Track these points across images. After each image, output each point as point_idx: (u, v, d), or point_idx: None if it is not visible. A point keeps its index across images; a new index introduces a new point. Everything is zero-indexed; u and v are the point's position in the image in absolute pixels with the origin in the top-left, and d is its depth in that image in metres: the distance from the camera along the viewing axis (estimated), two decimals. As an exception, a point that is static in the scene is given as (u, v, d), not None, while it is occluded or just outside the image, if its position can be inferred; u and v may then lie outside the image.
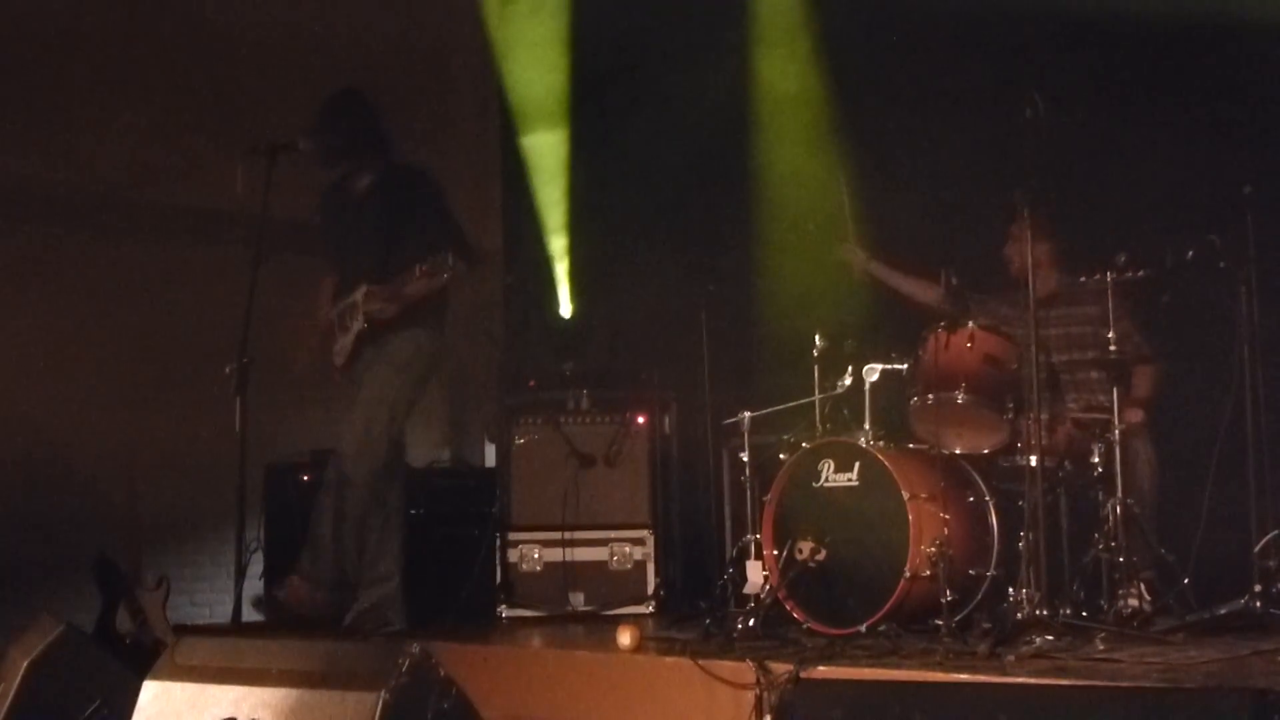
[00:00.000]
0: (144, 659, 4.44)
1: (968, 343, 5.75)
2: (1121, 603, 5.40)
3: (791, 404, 6.26)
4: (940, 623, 5.27)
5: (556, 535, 6.90)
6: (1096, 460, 5.70)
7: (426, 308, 6.29)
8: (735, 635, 5.40)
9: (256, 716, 3.79)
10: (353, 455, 6.19)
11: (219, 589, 7.78)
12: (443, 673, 3.74)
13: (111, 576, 6.63)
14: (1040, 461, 5.39)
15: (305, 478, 7.10)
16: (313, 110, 6.34)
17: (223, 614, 6.75)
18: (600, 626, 6.33)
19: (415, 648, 3.73)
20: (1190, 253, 5.51)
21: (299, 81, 8.22)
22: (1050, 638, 5.02)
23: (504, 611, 6.82)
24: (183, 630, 6.38)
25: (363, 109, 6.36)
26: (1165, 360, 6.12)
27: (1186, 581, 5.48)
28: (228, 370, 5.78)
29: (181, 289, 7.80)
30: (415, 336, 6.29)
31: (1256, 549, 5.34)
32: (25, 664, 4.58)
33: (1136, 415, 5.99)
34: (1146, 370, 6.12)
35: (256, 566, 6.99)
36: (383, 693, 3.59)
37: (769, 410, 6.33)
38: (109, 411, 7.55)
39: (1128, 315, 5.83)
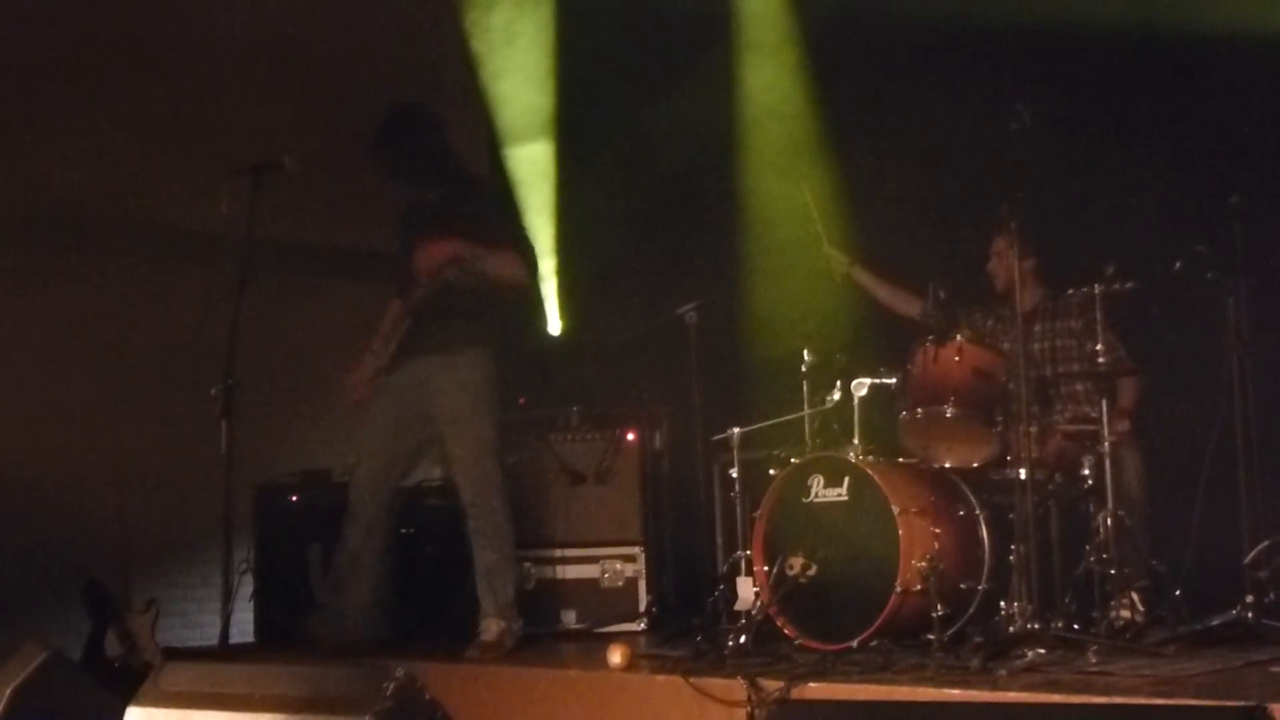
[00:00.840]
0: (134, 683, 4.40)
1: (956, 356, 5.75)
2: (1114, 614, 5.38)
3: (781, 419, 6.25)
4: (932, 637, 5.26)
5: (547, 553, 6.88)
6: (1087, 472, 5.69)
7: (489, 324, 6.19)
8: (726, 652, 5.37)
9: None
10: (473, 490, 6.12)
11: (211, 611, 7.74)
12: (429, 696, 3.71)
13: (101, 600, 6.62)
14: (1030, 474, 5.39)
15: (294, 498, 7.08)
16: (379, 123, 6.21)
17: (214, 636, 6.72)
18: (591, 644, 6.30)
19: (400, 671, 3.71)
20: (1178, 264, 5.50)
21: (283, 100, 8.23)
22: (1043, 651, 5.01)
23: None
24: (172, 653, 6.36)
25: (426, 124, 6.23)
26: (1148, 370, 6.11)
27: (1178, 593, 5.47)
28: (213, 392, 5.76)
29: (168, 310, 7.78)
30: (480, 359, 6.14)
31: (1248, 560, 5.32)
32: (9, 691, 4.54)
33: (1124, 425, 5.98)
34: (1129, 380, 6.11)
35: (248, 588, 6.98)
36: (368, 718, 3.57)
37: (758, 426, 6.32)
38: (96, 433, 7.53)
39: (1109, 326, 5.83)
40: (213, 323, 6.02)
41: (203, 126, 7.99)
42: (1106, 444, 5.56)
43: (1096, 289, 5.67)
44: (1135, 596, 5.53)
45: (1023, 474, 5.39)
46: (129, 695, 4.17)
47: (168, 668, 4.12)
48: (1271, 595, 5.28)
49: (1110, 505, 5.49)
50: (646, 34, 7.81)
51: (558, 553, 6.86)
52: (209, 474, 5.98)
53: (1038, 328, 6.24)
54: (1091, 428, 5.73)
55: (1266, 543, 5.29)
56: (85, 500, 7.38)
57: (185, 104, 8.02)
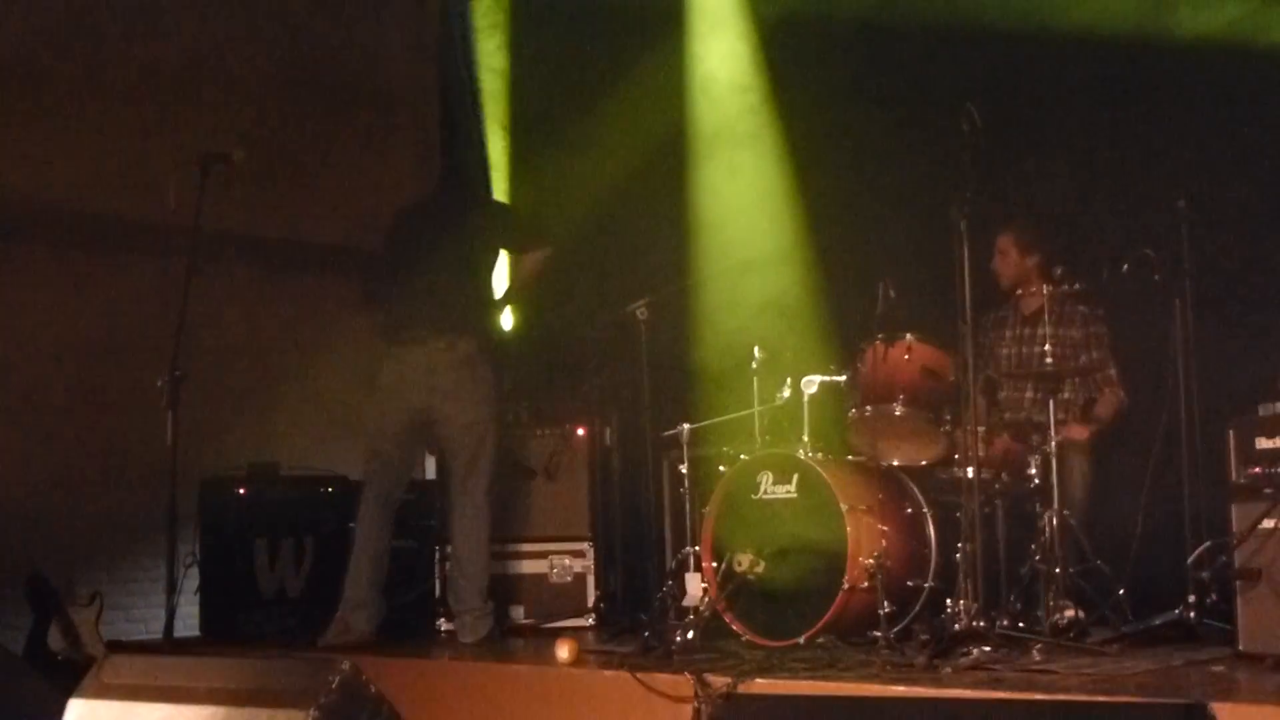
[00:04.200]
0: (76, 676, 4.36)
1: (905, 354, 5.78)
2: (1057, 615, 5.42)
3: (730, 416, 6.27)
4: (879, 634, 5.29)
5: (496, 548, 6.84)
6: (1033, 472, 5.74)
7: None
8: (674, 648, 5.38)
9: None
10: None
11: (155, 604, 7.68)
12: (374, 689, 3.70)
13: (44, 593, 6.56)
14: (977, 473, 5.42)
15: (241, 491, 7.03)
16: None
17: (159, 629, 6.68)
18: (539, 639, 6.29)
19: (345, 664, 3.69)
20: (1125, 266, 5.55)
21: (235, 90, 8.18)
22: (987, 649, 5.04)
23: (442, 625, 6.75)
24: (116, 646, 6.31)
25: None
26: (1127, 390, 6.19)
27: (1122, 592, 5.52)
28: (159, 383, 5.71)
29: (115, 300, 7.71)
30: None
31: (1190, 560, 5.37)
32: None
33: (1081, 433, 6.04)
34: (1112, 396, 6.16)
35: (193, 581, 6.92)
36: (311, 710, 3.55)
37: (708, 422, 6.34)
38: (40, 426, 7.46)
39: (1105, 342, 6.11)
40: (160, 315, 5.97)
41: (153, 117, 7.92)
42: (1053, 444, 5.61)
43: (1044, 290, 5.75)
44: (1078, 596, 5.57)
45: (969, 473, 5.42)
46: (72, 689, 4.12)
47: (110, 661, 4.08)
48: (1213, 596, 5.32)
49: (1056, 505, 5.54)
50: (599, 26, 7.80)
51: (507, 548, 6.83)
52: (155, 466, 5.93)
53: (1041, 331, 5.94)
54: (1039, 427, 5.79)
55: (1208, 543, 5.34)
56: (29, 493, 7.31)
57: (134, 96, 7.95)
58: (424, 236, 6.28)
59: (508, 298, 6.73)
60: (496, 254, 6.59)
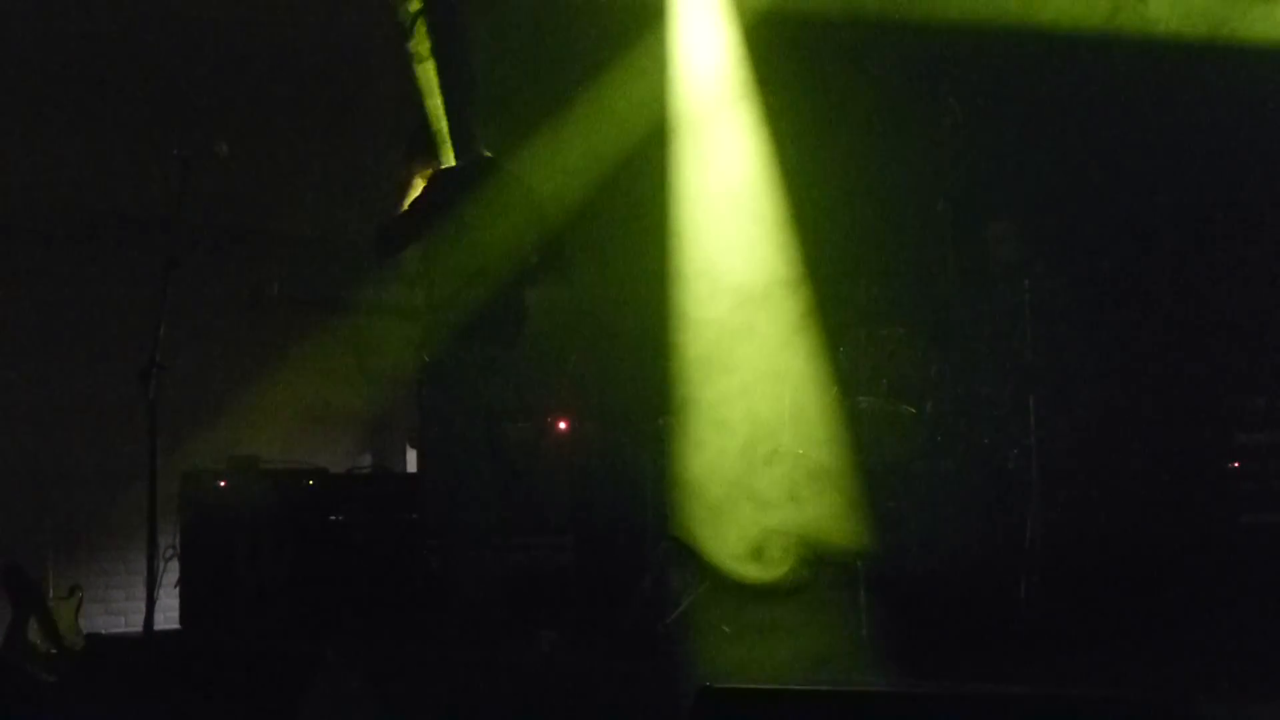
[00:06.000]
0: (56, 669, 4.34)
1: (889, 348, 5.81)
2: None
3: (713, 407, 6.28)
4: (862, 627, 5.32)
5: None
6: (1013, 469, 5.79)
7: None
8: (655, 640, 5.40)
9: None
10: None
11: (136, 597, 7.67)
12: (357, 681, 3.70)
13: (23, 586, 6.54)
14: (961, 466, 5.45)
15: (222, 484, 7.01)
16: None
17: (139, 622, 6.67)
18: (521, 630, 6.29)
19: (330, 655, 3.69)
20: None
21: (216, 83, 8.16)
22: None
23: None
24: (95, 639, 6.30)
25: None
26: None
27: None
28: (140, 375, 5.68)
29: (94, 292, 7.69)
30: None
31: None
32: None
33: None
34: None
35: (173, 575, 6.91)
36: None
37: (690, 415, 6.35)
38: (17, 418, 7.44)
39: None
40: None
41: (133, 111, 7.89)
42: (1034, 439, 5.65)
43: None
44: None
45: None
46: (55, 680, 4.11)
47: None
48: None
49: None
50: (582, 18, 7.80)
51: (488, 540, 6.83)
52: (136, 459, 5.90)
53: None
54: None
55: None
56: (4, 485, 7.29)
57: (115, 89, 7.92)
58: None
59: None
60: None
